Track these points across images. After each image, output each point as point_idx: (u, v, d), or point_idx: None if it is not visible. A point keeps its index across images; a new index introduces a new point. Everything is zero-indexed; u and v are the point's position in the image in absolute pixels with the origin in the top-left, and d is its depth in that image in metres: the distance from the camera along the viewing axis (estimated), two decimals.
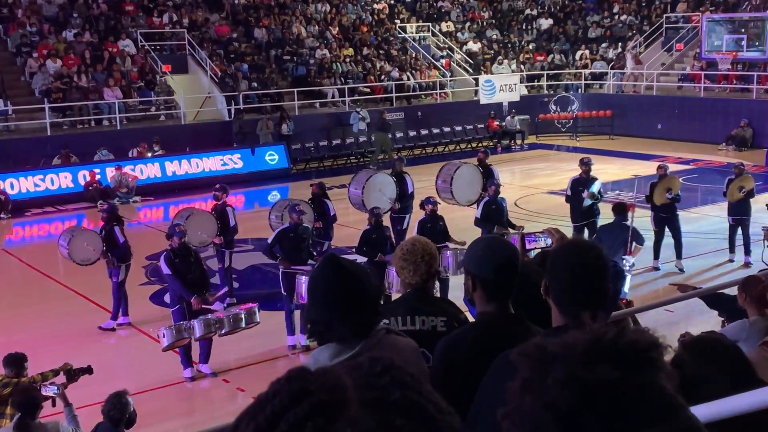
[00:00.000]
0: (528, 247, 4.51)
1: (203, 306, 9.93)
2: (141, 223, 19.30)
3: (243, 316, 9.81)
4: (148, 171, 22.32)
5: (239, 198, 20.89)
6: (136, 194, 21.28)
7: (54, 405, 6.90)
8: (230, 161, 23.63)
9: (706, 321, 9.07)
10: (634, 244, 11.47)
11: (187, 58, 27.28)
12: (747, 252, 13.62)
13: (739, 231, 13.60)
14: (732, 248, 13.77)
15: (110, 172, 21.38)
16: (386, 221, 13.97)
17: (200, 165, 23.14)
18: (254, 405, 0.90)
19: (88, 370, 7.33)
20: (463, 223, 13.51)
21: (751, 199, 13.62)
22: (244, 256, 14.95)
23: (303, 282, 9.93)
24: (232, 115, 25.02)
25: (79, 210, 20.18)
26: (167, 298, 11.19)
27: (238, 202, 20.13)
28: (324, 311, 2.83)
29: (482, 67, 31.27)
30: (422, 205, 11.93)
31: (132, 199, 21.09)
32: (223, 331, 9.64)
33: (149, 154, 22.70)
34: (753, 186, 13.66)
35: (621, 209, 11.99)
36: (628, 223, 11.64)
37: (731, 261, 13.73)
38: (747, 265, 13.28)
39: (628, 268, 10.64)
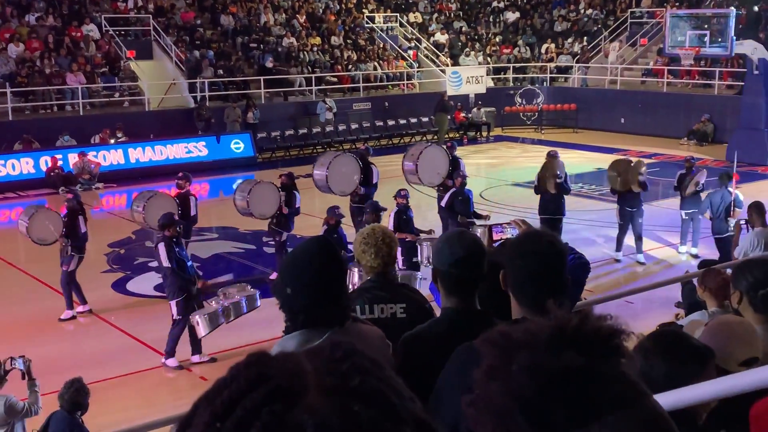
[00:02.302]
0: (495, 237, 4.54)
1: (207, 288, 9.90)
2: (103, 210, 19.09)
3: (243, 303, 9.60)
4: (111, 157, 22.05)
5: (204, 186, 20.74)
6: (98, 181, 21.02)
7: (23, 378, 6.83)
8: (195, 149, 23.43)
9: (666, 313, 9.22)
10: (735, 208, 12.30)
11: (152, 44, 26.97)
12: (694, 244, 13.93)
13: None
14: (683, 241, 14.04)
15: (72, 158, 21.09)
16: (347, 208, 13.90)
17: (164, 152, 22.90)
18: (212, 389, 0.88)
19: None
20: (430, 212, 13.55)
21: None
22: (208, 245, 14.88)
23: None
24: (198, 102, 24.81)
25: (41, 196, 19.88)
26: (159, 288, 10.90)
27: (202, 191, 20.00)
28: (306, 296, 2.78)
29: (449, 57, 31.34)
30: (394, 197, 12.00)
31: (94, 185, 20.83)
32: (230, 319, 9.53)
33: (111, 141, 22.42)
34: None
35: (726, 178, 12.74)
36: (731, 189, 12.40)
37: (680, 253, 14.02)
38: (695, 256, 13.57)
39: (731, 228, 11.79)
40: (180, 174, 13.11)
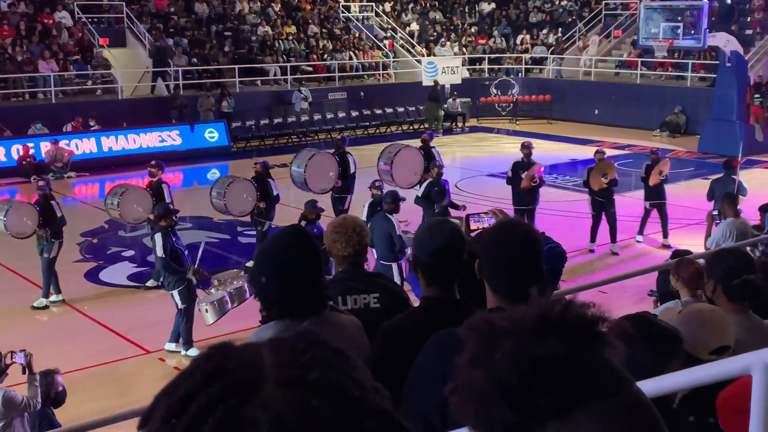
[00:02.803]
0: (472, 227, 4.56)
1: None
2: (76, 199, 18.90)
3: (246, 287, 9.52)
4: (83, 146, 21.82)
5: (177, 175, 20.60)
6: (71, 170, 20.79)
7: (24, 372, 6.76)
8: (168, 138, 23.24)
9: (639, 302, 9.31)
10: (738, 195, 12.21)
11: (125, 31, 26.71)
12: (665, 234, 14.08)
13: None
14: (641, 230, 14.23)
15: (45, 146, 20.85)
16: (327, 202, 13.97)
17: (137, 141, 22.70)
18: (171, 383, 0.86)
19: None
20: (406, 204, 13.53)
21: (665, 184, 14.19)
22: (182, 234, 14.75)
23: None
24: (171, 91, 24.62)
25: (12, 185, 19.65)
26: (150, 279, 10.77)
27: (176, 180, 19.86)
28: (282, 285, 2.77)
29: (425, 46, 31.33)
30: (369, 188, 12.00)
31: (67, 174, 20.61)
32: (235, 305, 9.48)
33: (91, 128, 22.18)
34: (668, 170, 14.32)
35: (730, 165, 12.85)
36: (735, 176, 12.45)
37: (639, 242, 14.20)
38: (666, 246, 13.73)
39: None
40: (152, 162, 13.02)
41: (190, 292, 9.79)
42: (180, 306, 9.82)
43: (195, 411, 0.81)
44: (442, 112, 27.89)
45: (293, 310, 2.78)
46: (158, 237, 9.83)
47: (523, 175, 13.50)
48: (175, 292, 9.81)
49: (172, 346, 9.97)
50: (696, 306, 3.66)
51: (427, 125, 26.96)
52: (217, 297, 9.26)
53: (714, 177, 13.59)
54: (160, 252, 9.73)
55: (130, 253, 14.25)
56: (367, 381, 0.88)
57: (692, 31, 23.64)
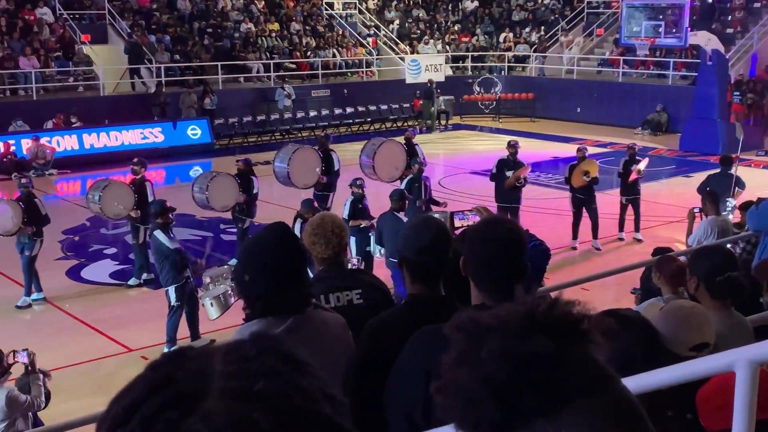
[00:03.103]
0: (457, 224, 4.56)
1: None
2: (57, 196, 18.77)
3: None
4: (65, 143, 21.67)
5: (160, 173, 20.49)
6: (52, 167, 20.64)
7: (26, 372, 6.73)
8: (151, 135, 23.11)
9: (620, 299, 9.35)
10: (736, 188, 12.44)
11: (107, 27, 26.53)
12: (637, 228, 14.25)
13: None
14: (621, 227, 14.36)
15: (26, 143, 20.69)
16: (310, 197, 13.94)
17: (119, 138, 22.55)
18: (121, 391, 0.85)
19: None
20: (386, 199, 13.53)
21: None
22: None
23: None
24: (146, 87, 24.48)
25: None
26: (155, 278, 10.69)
27: (158, 177, 19.76)
28: (266, 283, 2.76)
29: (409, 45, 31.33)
30: (350, 186, 11.97)
31: (48, 171, 20.46)
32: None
33: (72, 124, 22.02)
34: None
35: (727, 160, 12.94)
36: (732, 171, 12.56)
37: (621, 239, 14.31)
38: (638, 240, 14.02)
39: (730, 208, 11.71)
40: (135, 159, 12.94)
41: (184, 291, 9.76)
42: (173, 303, 9.80)
43: (137, 422, 0.80)
44: (434, 109, 27.96)
45: (276, 307, 2.77)
46: (160, 234, 9.78)
47: (509, 174, 13.53)
48: (171, 289, 9.78)
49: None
50: (676, 303, 3.68)
51: (416, 123, 27.03)
52: (220, 291, 9.22)
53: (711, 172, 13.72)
54: (171, 245, 9.72)
55: (112, 250, 14.17)
56: (319, 390, 0.86)
57: (674, 30, 23.78)
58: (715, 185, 12.51)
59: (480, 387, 0.92)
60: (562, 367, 0.91)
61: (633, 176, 13.89)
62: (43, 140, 20.88)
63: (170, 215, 10.02)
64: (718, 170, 13.18)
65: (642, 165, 14.13)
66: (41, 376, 6.70)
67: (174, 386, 0.82)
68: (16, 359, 6.64)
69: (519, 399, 0.90)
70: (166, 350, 9.61)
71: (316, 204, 11.58)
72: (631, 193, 14.15)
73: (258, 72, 27.21)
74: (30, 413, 6.74)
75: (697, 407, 2.78)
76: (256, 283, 2.76)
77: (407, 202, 11.05)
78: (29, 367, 6.68)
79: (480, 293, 2.71)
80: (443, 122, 28.81)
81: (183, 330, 9.94)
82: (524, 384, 0.90)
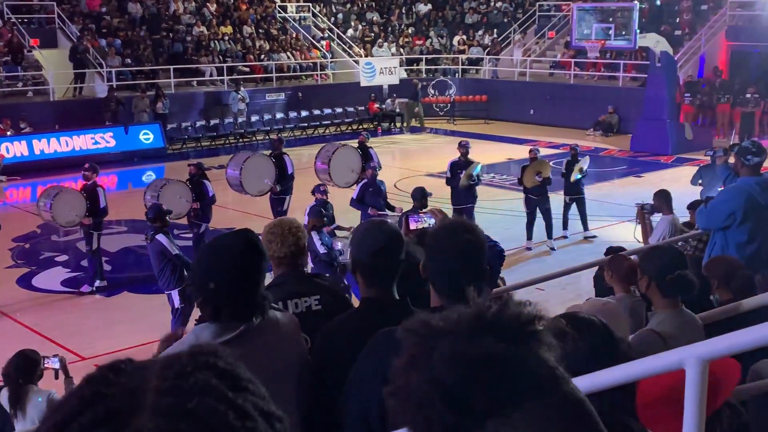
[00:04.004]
0: (412, 227, 4.56)
1: None
2: (7, 203, 18.41)
3: None
4: (14, 149, 21.23)
5: (112, 178, 20.22)
6: (1, 173, 20.22)
7: (57, 378, 6.64)
8: (102, 140, 22.76)
9: (575, 300, 9.45)
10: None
11: (56, 32, 26.09)
12: (585, 227, 14.53)
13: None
14: (565, 225, 14.59)
15: None
16: (266, 202, 13.89)
17: (70, 143, 22.18)
18: (56, 405, 0.83)
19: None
20: (344, 205, 13.54)
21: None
22: (117, 238, 14.52)
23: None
24: (88, 92, 24.13)
25: None
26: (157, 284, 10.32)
27: (111, 183, 19.49)
28: (231, 290, 2.73)
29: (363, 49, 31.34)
30: (313, 192, 11.89)
31: None
32: None
33: (9, 132, 21.54)
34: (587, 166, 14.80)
35: (723, 152, 13.03)
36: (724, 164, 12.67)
37: (565, 237, 14.52)
38: (589, 239, 14.30)
39: None
40: (87, 165, 12.73)
41: (185, 293, 9.63)
42: (177, 305, 9.69)
43: None
44: (418, 109, 28.36)
45: (238, 312, 2.75)
46: (162, 238, 9.65)
47: (461, 174, 13.63)
48: (174, 292, 9.68)
49: None
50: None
51: (371, 126, 27.10)
52: None
53: (702, 164, 14.00)
54: (174, 250, 9.60)
55: (63, 258, 13.93)
56: (255, 407, 0.84)
57: (623, 32, 24.16)
58: (706, 176, 12.89)
59: (431, 390, 0.92)
60: (513, 368, 0.91)
61: (575, 174, 14.16)
62: None
63: (167, 218, 9.92)
64: (708, 162, 13.43)
65: (584, 164, 14.42)
66: (74, 380, 6.62)
67: (103, 403, 0.81)
68: (47, 365, 6.60)
69: (470, 401, 0.90)
70: None
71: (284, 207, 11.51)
72: (574, 193, 14.40)
73: (211, 75, 26.98)
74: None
75: (638, 405, 2.82)
76: (222, 291, 2.73)
77: (427, 200, 11.24)
78: (60, 372, 6.58)
79: (440, 297, 2.73)
80: (398, 125, 28.85)
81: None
82: (475, 386, 0.90)
